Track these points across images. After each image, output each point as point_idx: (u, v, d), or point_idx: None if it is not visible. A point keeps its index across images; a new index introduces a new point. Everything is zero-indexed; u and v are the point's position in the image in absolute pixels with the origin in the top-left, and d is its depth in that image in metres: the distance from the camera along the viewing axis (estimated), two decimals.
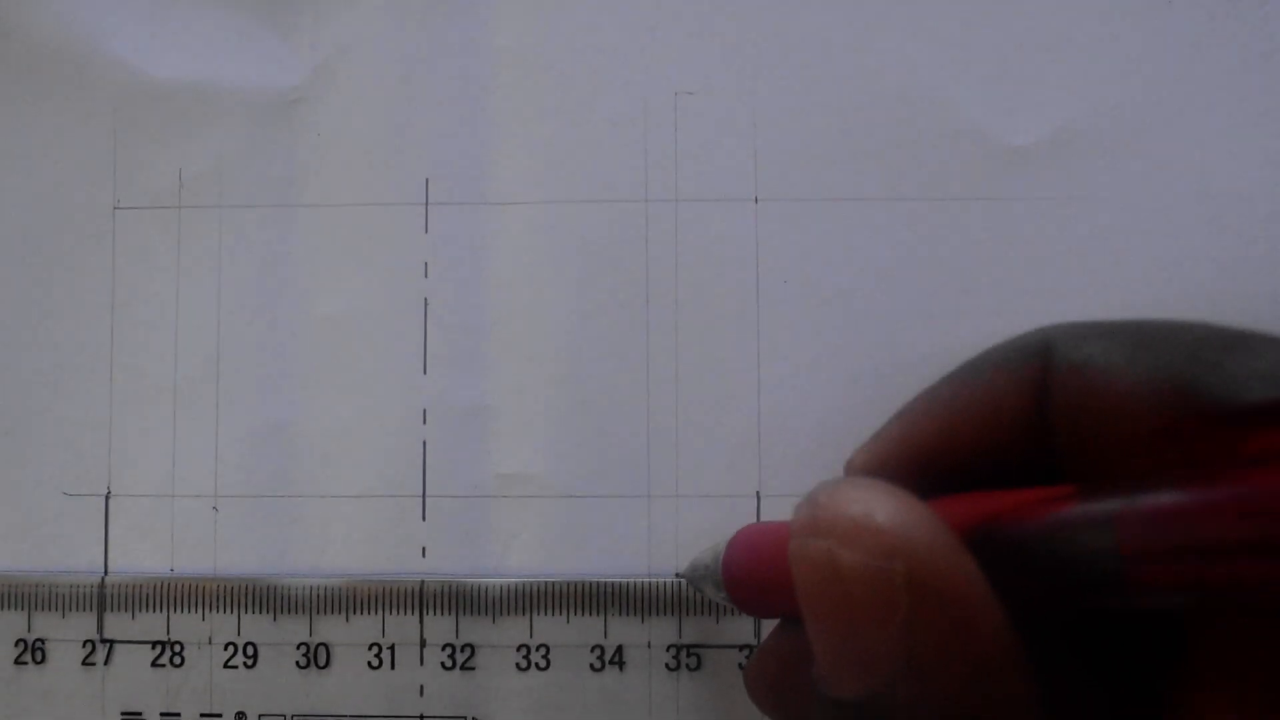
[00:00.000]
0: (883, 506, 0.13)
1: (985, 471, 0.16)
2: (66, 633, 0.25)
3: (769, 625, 0.24)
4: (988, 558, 0.14)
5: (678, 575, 0.25)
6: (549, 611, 0.25)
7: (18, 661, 0.25)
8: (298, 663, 0.25)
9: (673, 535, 0.25)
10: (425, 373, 0.26)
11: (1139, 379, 0.14)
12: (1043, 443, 0.16)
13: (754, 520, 0.25)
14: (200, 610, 0.25)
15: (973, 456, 0.16)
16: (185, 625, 0.25)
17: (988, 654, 0.13)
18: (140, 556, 0.26)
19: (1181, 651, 0.14)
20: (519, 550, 0.25)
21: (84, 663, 0.25)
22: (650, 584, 0.25)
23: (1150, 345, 0.15)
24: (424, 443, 0.26)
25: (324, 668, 0.25)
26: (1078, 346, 0.15)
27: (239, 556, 0.26)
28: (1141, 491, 0.13)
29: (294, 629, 0.25)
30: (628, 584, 0.25)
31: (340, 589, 0.25)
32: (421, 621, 0.25)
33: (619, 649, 0.25)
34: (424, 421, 0.26)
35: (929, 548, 0.13)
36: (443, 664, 0.25)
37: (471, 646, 0.25)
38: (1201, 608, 0.14)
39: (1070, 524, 0.14)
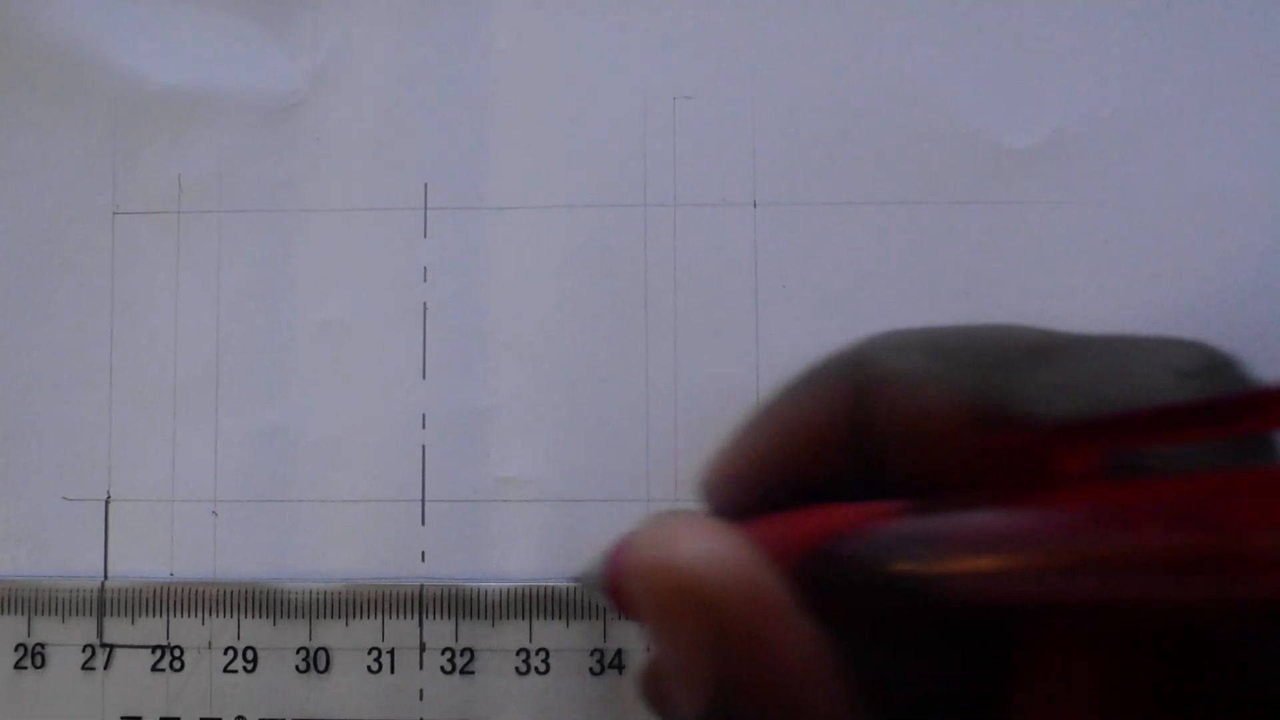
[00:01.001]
0: (684, 546, 0.14)
1: (827, 485, 0.16)
2: (66, 637, 0.26)
3: None
4: (820, 576, 0.14)
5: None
6: (548, 615, 0.25)
7: (18, 666, 0.26)
8: (297, 667, 0.25)
9: None
10: (424, 377, 0.26)
11: (947, 392, 0.14)
12: (870, 457, 0.15)
13: None
14: (200, 614, 0.25)
15: (806, 471, 0.16)
16: (185, 629, 0.25)
17: (794, 683, 0.13)
18: (140, 561, 0.26)
19: (1011, 664, 0.14)
20: (518, 554, 0.25)
21: (84, 667, 0.25)
22: None
23: (958, 355, 0.15)
24: (423, 447, 0.26)
25: (323, 672, 0.25)
26: (890, 359, 0.15)
27: (238, 561, 0.26)
28: (958, 509, 0.13)
29: (293, 633, 0.25)
30: None
31: (340, 593, 0.25)
32: (421, 626, 0.25)
33: (618, 653, 0.25)
34: (423, 426, 0.26)
35: (723, 584, 0.13)
36: (442, 668, 0.25)
37: (471, 651, 0.25)
38: (1026, 623, 0.14)
39: (890, 542, 0.14)
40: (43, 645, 0.26)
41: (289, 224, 0.26)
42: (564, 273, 0.26)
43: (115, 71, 0.27)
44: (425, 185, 0.26)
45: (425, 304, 0.26)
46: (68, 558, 0.26)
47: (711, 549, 0.13)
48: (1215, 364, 0.14)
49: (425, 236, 0.26)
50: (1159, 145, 0.25)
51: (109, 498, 0.26)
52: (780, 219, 0.26)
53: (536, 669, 0.25)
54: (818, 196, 0.26)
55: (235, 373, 0.26)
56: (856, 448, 0.15)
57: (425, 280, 0.26)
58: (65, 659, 0.26)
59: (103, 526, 0.26)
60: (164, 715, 0.25)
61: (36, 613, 0.26)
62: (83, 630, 0.25)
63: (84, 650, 0.26)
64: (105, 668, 0.25)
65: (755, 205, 0.26)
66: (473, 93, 0.26)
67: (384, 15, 0.27)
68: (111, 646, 0.25)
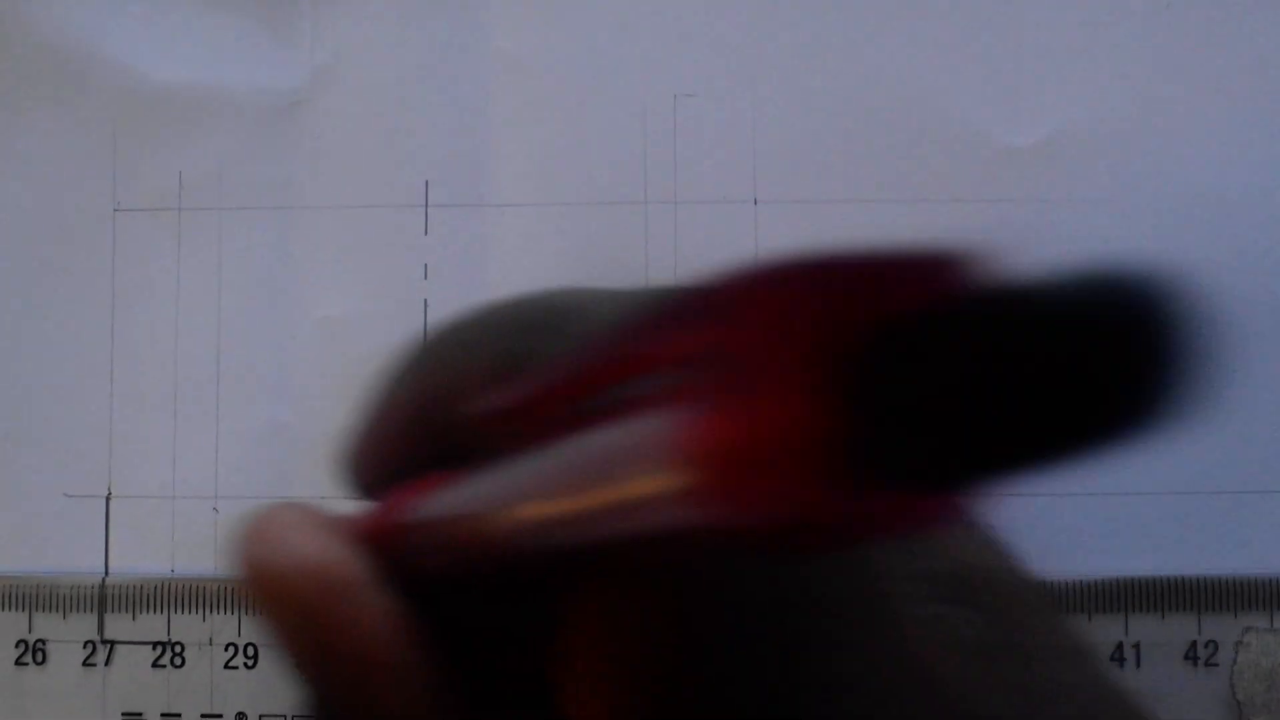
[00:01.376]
0: (262, 542, 0.15)
1: (431, 458, 0.16)
2: (67, 634, 0.26)
3: None
4: (400, 547, 0.15)
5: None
6: None
7: (19, 662, 0.26)
8: None
9: None
10: None
11: (472, 360, 0.15)
12: (446, 427, 0.16)
13: None
14: (201, 611, 0.25)
15: (407, 447, 0.17)
16: (186, 626, 0.25)
17: (367, 662, 0.14)
18: (141, 557, 0.26)
19: (557, 624, 0.15)
20: None
21: (85, 663, 0.25)
22: None
23: (493, 324, 0.16)
24: None
25: None
26: (441, 337, 0.16)
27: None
28: (477, 473, 0.14)
29: None
30: None
31: None
32: None
33: None
34: None
35: (294, 577, 0.14)
36: None
37: None
38: (559, 575, 0.14)
39: (430, 510, 0.15)
40: (44, 642, 0.26)
41: (290, 221, 0.26)
42: (565, 269, 0.26)
43: (116, 70, 0.27)
44: (426, 183, 0.26)
45: (426, 301, 0.26)
46: (69, 554, 0.26)
47: (285, 543, 0.14)
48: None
49: (426, 234, 0.26)
50: (1159, 144, 0.25)
51: (110, 494, 0.26)
52: (781, 216, 0.26)
53: None
54: (818, 194, 0.26)
55: (236, 370, 0.26)
56: (434, 420, 0.16)
57: (426, 278, 0.26)
58: (66, 655, 0.26)
59: (104, 523, 0.26)
60: (165, 711, 0.25)
61: (37, 609, 0.26)
62: (84, 627, 0.26)
63: (85, 647, 0.26)
64: (106, 664, 0.26)
65: (756, 203, 0.26)
66: (473, 90, 0.26)
67: (384, 15, 0.27)
68: (112, 643, 0.26)
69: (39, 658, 0.26)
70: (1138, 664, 0.24)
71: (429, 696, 0.14)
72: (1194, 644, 0.25)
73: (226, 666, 0.25)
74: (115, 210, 0.27)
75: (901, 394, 0.08)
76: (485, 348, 0.15)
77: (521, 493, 0.12)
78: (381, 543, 0.15)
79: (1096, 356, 0.07)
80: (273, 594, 0.14)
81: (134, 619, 0.25)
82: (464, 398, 0.15)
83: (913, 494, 0.08)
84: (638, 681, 0.13)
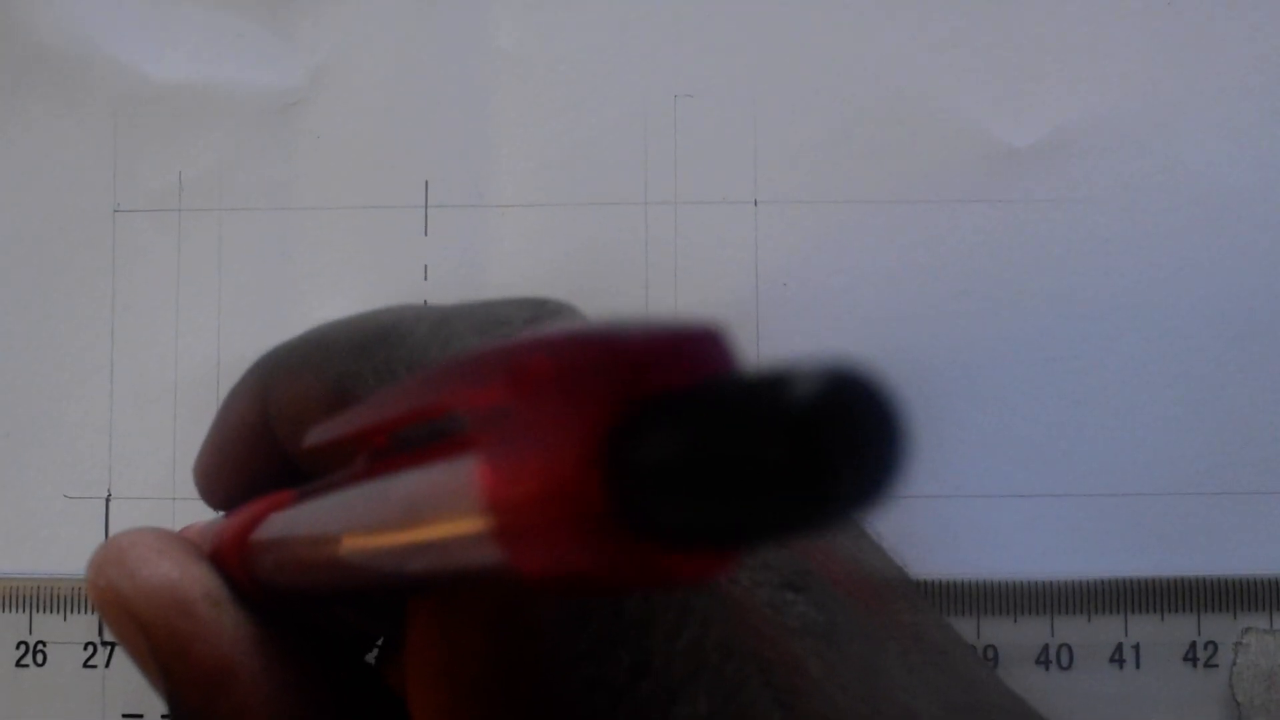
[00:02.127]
0: (116, 565, 0.15)
1: (278, 475, 0.17)
2: (67, 634, 0.26)
3: None
4: (246, 564, 0.15)
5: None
6: None
7: (19, 664, 0.26)
8: None
9: None
10: None
11: (318, 380, 0.16)
12: (282, 447, 0.17)
13: None
14: None
15: (250, 465, 0.17)
16: None
17: (217, 673, 0.15)
18: None
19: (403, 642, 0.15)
20: None
21: (85, 664, 0.25)
22: None
23: (331, 344, 0.16)
24: None
25: None
26: (280, 356, 0.17)
27: None
28: (310, 498, 0.14)
29: None
30: None
31: None
32: None
33: None
34: None
35: (144, 597, 0.15)
36: None
37: None
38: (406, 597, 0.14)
39: (268, 533, 0.15)
40: (44, 643, 0.26)
41: (289, 222, 0.26)
42: (565, 271, 0.26)
43: (116, 69, 0.27)
44: (426, 183, 0.26)
45: (426, 302, 0.26)
46: (69, 555, 0.26)
47: (140, 564, 0.15)
48: (537, 317, 0.16)
49: (426, 234, 0.26)
50: (1159, 144, 0.25)
51: (110, 496, 0.26)
52: (781, 218, 0.26)
53: None
54: (818, 195, 0.26)
55: (236, 370, 0.26)
56: (274, 443, 0.17)
57: (426, 278, 0.26)
58: (66, 656, 0.26)
59: (104, 524, 0.26)
60: (165, 713, 0.25)
61: (38, 610, 0.26)
62: (84, 628, 0.26)
63: (85, 648, 0.26)
64: (106, 665, 0.26)
65: (756, 204, 0.26)
66: (473, 90, 0.26)
67: (384, 15, 0.26)
68: (113, 644, 0.25)
69: (39, 659, 0.26)
70: (1137, 665, 0.24)
71: (284, 707, 0.15)
72: (1193, 645, 0.25)
73: None
74: (115, 210, 0.27)
75: (661, 463, 0.08)
76: (317, 371, 0.16)
77: (348, 524, 0.12)
78: (232, 560, 0.15)
79: (830, 440, 0.08)
80: (129, 613, 0.15)
81: None
82: (299, 424, 0.15)
83: (676, 552, 0.09)
84: (473, 689, 0.13)
